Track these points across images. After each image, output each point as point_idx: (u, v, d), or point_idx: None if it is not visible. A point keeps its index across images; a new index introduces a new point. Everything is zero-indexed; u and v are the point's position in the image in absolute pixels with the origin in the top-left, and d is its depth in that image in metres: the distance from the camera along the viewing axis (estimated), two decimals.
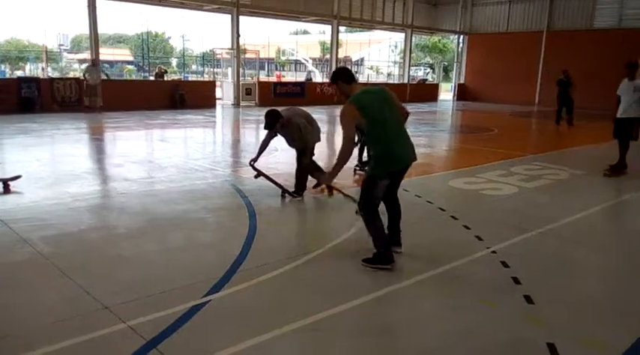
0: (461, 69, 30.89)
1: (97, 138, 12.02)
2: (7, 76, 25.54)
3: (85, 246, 4.47)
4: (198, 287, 3.56)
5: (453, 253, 4.43)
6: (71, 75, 23.88)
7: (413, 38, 29.40)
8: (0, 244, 4.39)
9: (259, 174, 6.27)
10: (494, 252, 4.51)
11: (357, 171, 7.58)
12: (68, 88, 16.66)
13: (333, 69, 24.60)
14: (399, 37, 33.05)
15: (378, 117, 4.02)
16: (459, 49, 31.36)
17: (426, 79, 37.62)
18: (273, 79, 33.00)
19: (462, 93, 30.05)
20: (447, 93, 32.39)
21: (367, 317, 3.35)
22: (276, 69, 41.58)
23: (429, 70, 45.03)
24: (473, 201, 6.51)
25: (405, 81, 28.89)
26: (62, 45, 31.22)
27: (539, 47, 26.35)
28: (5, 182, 6.18)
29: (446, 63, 40.73)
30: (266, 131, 6.22)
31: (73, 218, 5.20)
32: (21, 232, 4.63)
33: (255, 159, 6.25)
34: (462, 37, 30.64)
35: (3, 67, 24.72)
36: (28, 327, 3.01)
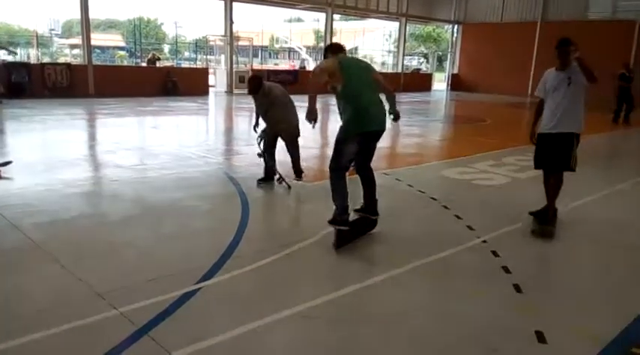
0: (455, 59, 30.85)
1: (88, 125, 11.92)
2: None
3: (77, 232, 4.45)
4: (191, 274, 3.56)
5: (444, 242, 4.46)
6: (62, 60, 23.58)
7: (407, 27, 29.29)
8: None
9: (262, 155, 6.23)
10: (484, 241, 4.55)
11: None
12: (59, 73, 16.47)
13: None
14: (393, 26, 32.90)
15: (357, 79, 4.23)
16: (454, 39, 31.29)
17: (420, 69, 37.50)
18: (268, 66, 32.76)
19: (456, 83, 30.05)
20: (440, 83, 32.36)
21: (359, 305, 3.37)
22: (270, 56, 41.32)
23: (423, 59, 44.90)
24: (464, 191, 6.54)
25: (399, 70, 28.81)
26: (53, 30, 30.85)
27: (533, 38, 26.35)
28: None
29: (440, 52, 40.56)
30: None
31: (64, 204, 5.17)
32: (11, 218, 4.60)
33: (256, 124, 6.33)
34: (456, 26, 30.55)
35: None
36: (19, 314, 3.01)
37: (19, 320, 2.93)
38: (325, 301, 3.30)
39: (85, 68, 17.14)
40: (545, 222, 4.87)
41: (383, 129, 4.37)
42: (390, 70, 30.67)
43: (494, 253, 4.26)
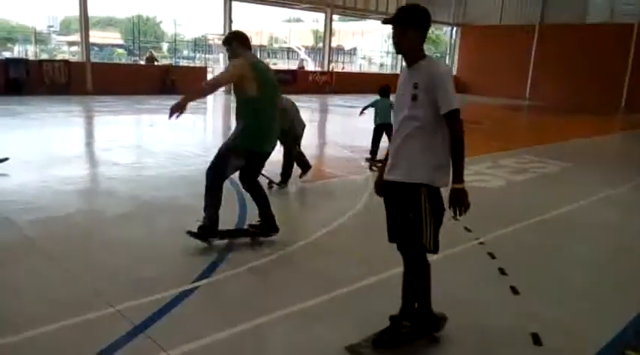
0: (453, 61, 30.89)
1: (85, 122, 11.89)
2: None
3: (73, 229, 4.44)
4: (187, 273, 3.55)
5: (441, 244, 4.45)
6: (60, 57, 23.48)
7: None
8: None
9: None
10: (482, 243, 4.55)
11: (372, 166, 7.51)
12: (57, 70, 16.42)
13: (326, 58, 24.66)
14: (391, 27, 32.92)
15: (270, 91, 3.96)
16: (452, 42, 31.33)
17: None
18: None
19: (454, 85, 30.01)
20: None
21: (357, 305, 3.37)
22: (268, 56, 41.30)
23: None
24: None
25: (398, 71, 28.84)
26: (51, 27, 30.81)
27: (531, 41, 26.42)
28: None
29: (438, 55, 40.63)
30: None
31: (60, 201, 5.16)
32: (7, 214, 4.59)
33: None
34: (455, 29, 30.60)
35: None
36: (13, 310, 3.00)
37: (13, 316, 2.92)
38: (324, 300, 3.30)
39: (83, 65, 17.08)
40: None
41: (272, 150, 4.17)
42: (388, 71, 30.72)
43: (491, 255, 4.26)
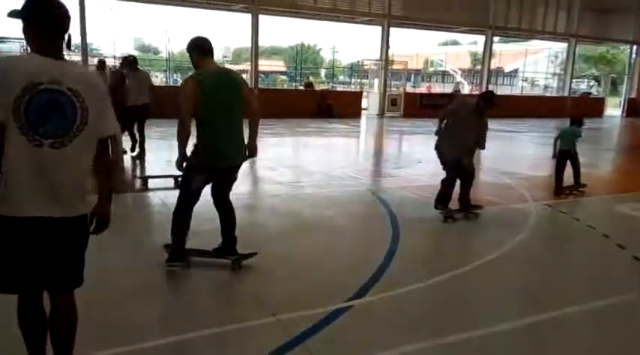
0: (632, 82, 27.63)
1: None
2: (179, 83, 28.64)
3: (242, 240, 4.81)
4: (342, 291, 3.64)
5: (617, 285, 3.97)
6: None
7: (576, 48, 27.02)
8: None
9: None
10: None
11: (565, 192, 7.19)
12: None
13: (484, 81, 23.76)
14: (559, 47, 30.62)
15: (214, 102, 3.61)
16: (631, 61, 28.09)
17: (590, 93, 34.24)
18: (421, 90, 32.60)
19: (633, 108, 26.80)
20: (614, 109, 29.13)
21: (514, 343, 3.14)
22: (422, 80, 41.10)
23: (593, 82, 40.96)
24: None
25: (565, 94, 26.64)
26: (225, 57, 34.33)
27: None
28: (177, 178, 6.95)
29: (614, 75, 36.70)
30: None
31: None
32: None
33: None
34: (634, 47, 27.38)
35: (175, 75, 27.85)
36: (181, 312, 3.34)
37: (181, 318, 3.26)
38: (475, 336, 3.13)
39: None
40: None
41: (236, 164, 3.89)
42: (554, 94, 28.55)
43: None
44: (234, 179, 3.98)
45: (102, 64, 10.98)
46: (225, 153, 3.76)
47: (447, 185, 5.74)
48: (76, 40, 16.72)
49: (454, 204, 5.83)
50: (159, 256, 3.99)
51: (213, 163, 3.75)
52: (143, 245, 4.54)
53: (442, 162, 5.79)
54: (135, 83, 8.70)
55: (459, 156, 5.61)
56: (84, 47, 16.14)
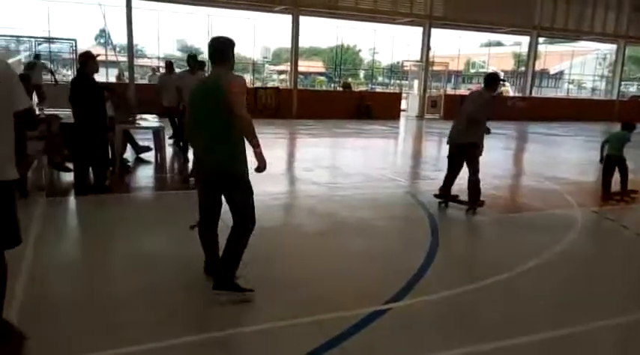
0: None
1: (289, 143, 13.04)
2: None
3: (274, 240, 4.83)
4: (380, 293, 3.60)
5: None
6: (270, 84, 26.24)
7: (626, 50, 25.99)
8: None
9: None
10: None
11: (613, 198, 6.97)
12: (269, 96, 18.43)
13: (528, 82, 23.13)
14: (608, 48, 29.50)
15: (194, 111, 3.49)
16: None
17: None
18: (462, 91, 32.02)
19: None
20: None
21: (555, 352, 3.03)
22: (463, 81, 40.39)
23: None
24: None
25: (614, 97, 25.65)
26: (265, 58, 34.64)
27: None
28: None
29: None
30: None
31: (268, 213, 5.69)
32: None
33: None
34: None
35: None
36: (223, 313, 3.38)
37: (227, 316, 3.29)
38: (511, 345, 3.04)
39: (290, 92, 18.88)
40: None
41: (215, 175, 3.48)
42: (602, 97, 27.55)
43: None
44: (238, 199, 3.61)
45: (170, 65, 10.87)
46: (205, 162, 3.50)
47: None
48: (122, 41, 17.31)
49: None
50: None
51: (202, 174, 3.58)
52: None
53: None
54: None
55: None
56: (130, 48, 16.57)
